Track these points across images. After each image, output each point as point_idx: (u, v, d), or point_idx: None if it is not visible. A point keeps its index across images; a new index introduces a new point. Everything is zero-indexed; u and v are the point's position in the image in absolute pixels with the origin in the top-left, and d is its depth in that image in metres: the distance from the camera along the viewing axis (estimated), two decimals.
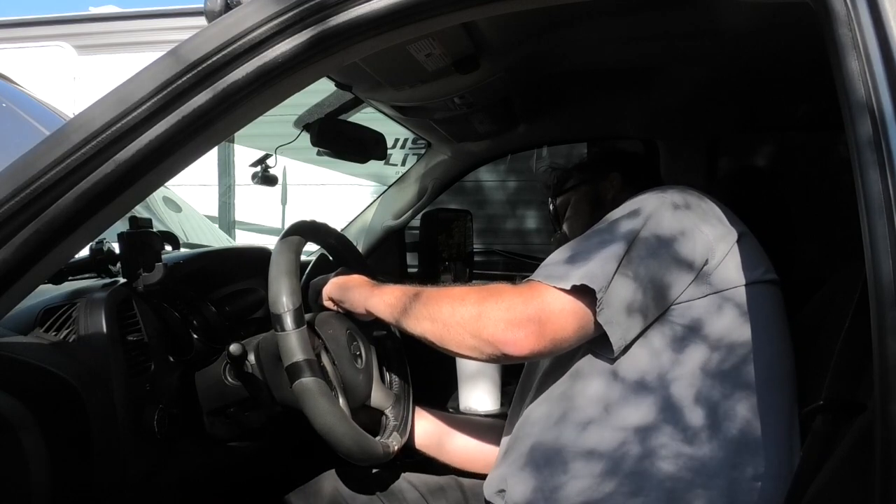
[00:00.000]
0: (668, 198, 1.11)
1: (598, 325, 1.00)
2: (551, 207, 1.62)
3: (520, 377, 1.30)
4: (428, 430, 1.38)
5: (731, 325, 1.05)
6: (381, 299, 1.16)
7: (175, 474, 1.27)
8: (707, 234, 1.07)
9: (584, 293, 0.98)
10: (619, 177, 1.49)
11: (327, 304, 1.26)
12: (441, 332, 1.05)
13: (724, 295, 1.06)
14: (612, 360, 1.04)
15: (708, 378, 1.03)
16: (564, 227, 1.57)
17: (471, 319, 1.01)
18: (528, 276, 1.03)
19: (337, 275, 1.27)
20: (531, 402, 1.17)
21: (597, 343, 1.05)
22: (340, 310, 1.26)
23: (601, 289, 0.98)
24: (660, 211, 1.08)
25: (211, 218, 4.90)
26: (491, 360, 1.03)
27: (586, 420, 1.06)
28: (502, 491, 1.12)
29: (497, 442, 1.29)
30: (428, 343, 1.08)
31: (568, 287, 0.98)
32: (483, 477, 1.36)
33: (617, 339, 1.01)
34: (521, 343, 0.98)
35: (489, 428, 1.39)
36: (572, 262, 1.02)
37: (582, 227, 1.31)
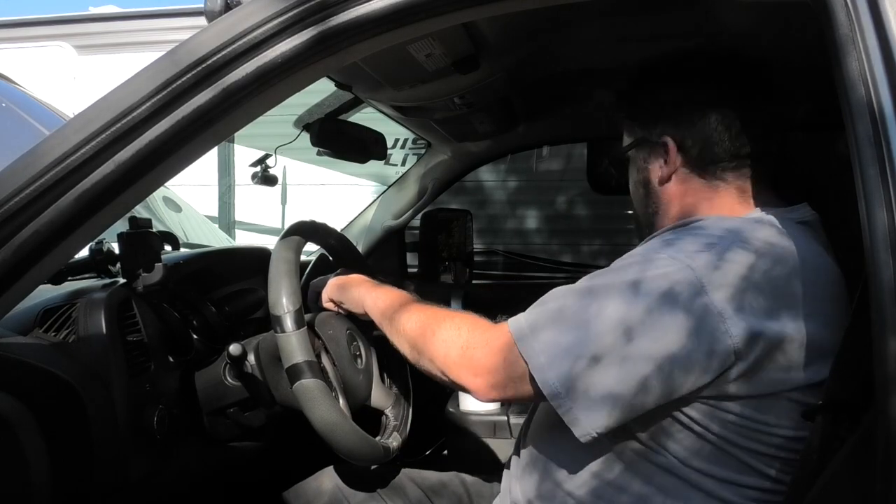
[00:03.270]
0: (695, 265, 0.87)
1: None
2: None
3: None
4: None
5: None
6: (374, 302, 1.16)
7: (175, 474, 1.27)
8: (728, 344, 0.86)
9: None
10: (672, 144, 1.05)
11: (327, 305, 1.26)
12: (415, 359, 1.06)
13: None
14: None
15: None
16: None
17: (439, 357, 1.01)
18: (509, 319, 0.97)
19: (337, 275, 1.27)
20: (534, 414, 1.16)
21: None
22: (341, 311, 1.26)
23: (556, 392, 0.89)
24: (672, 290, 0.86)
25: (211, 218, 4.90)
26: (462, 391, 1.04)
27: None
28: (509, 489, 1.12)
29: None
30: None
31: (531, 365, 0.91)
32: (485, 475, 1.36)
33: (586, 436, 0.91)
34: (482, 391, 0.98)
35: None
36: (548, 329, 0.92)
37: (638, 206, 1.15)
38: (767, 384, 0.89)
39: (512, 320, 0.96)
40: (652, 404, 0.89)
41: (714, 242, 0.90)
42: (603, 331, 0.88)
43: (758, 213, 1.00)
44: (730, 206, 1.04)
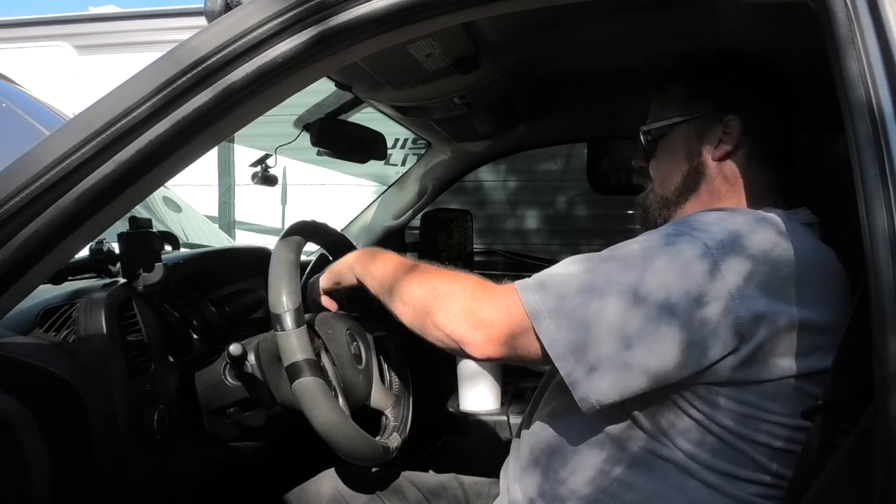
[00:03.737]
0: (717, 245, 0.89)
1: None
2: (642, 139, 1.18)
3: (520, 379, 1.30)
4: None
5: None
6: (369, 272, 1.13)
7: (175, 474, 1.27)
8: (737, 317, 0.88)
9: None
10: (738, 125, 1.07)
11: (325, 301, 1.25)
12: (417, 322, 1.02)
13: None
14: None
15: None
16: (651, 169, 1.17)
17: (439, 313, 0.99)
18: (517, 280, 0.98)
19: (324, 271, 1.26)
20: (537, 405, 1.16)
21: None
22: (339, 305, 1.25)
23: (568, 363, 0.90)
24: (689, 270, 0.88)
25: (211, 218, 4.90)
26: (455, 353, 1.00)
27: (587, 416, 1.04)
28: (508, 491, 1.12)
29: None
30: (385, 303, 1.07)
31: (536, 326, 0.91)
32: (484, 475, 1.36)
33: (586, 403, 0.91)
34: (479, 344, 0.95)
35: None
36: (558, 287, 0.92)
37: (665, 185, 1.13)
38: (772, 369, 0.91)
39: (519, 281, 0.96)
40: (656, 381, 0.89)
41: (732, 230, 0.92)
42: (614, 299, 0.89)
43: (769, 210, 1.02)
44: (752, 199, 1.07)
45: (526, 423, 1.17)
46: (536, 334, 0.91)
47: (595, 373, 0.89)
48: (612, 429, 0.99)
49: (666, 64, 1.20)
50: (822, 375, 0.88)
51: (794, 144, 1.12)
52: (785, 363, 0.91)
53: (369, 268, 1.14)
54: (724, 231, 0.92)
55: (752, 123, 1.08)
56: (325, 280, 1.23)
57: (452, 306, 0.98)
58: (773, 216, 0.98)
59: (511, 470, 1.15)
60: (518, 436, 1.18)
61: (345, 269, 1.19)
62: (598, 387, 0.90)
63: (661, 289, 0.89)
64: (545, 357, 0.92)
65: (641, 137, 1.18)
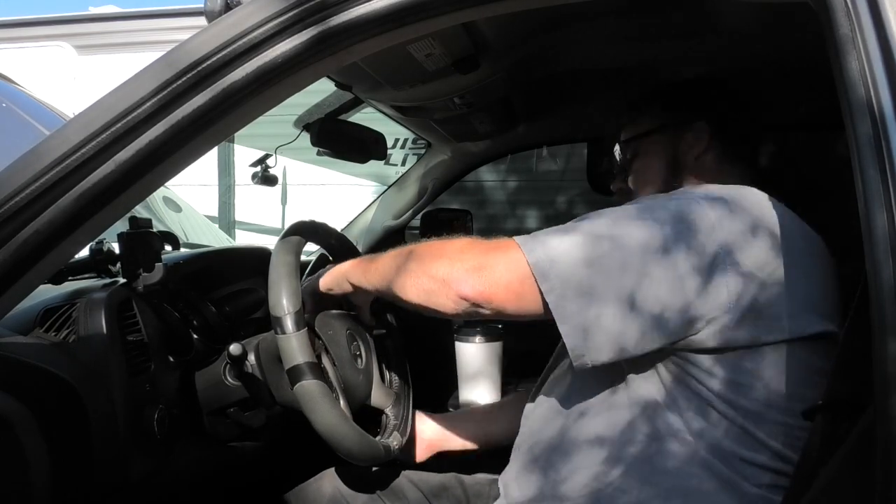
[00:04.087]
0: (710, 211, 0.94)
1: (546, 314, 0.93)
2: (617, 150, 1.31)
3: (521, 376, 1.30)
4: (437, 429, 1.38)
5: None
6: (365, 277, 1.12)
7: (175, 474, 1.27)
8: (731, 284, 0.92)
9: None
10: (705, 129, 1.19)
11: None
12: (413, 288, 0.99)
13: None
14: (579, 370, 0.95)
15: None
16: (630, 181, 1.28)
17: (430, 259, 0.98)
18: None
19: (324, 271, 1.25)
20: (533, 402, 1.17)
21: None
22: (338, 306, 1.25)
23: (558, 293, 0.90)
24: (682, 228, 0.92)
25: (211, 218, 4.90)
26: (438, 306, 0.97)
27: (587, 407, 1.04)
28: (507, 484, 1.13)
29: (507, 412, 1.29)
30: (407, 305, 1.03)
31: (530, 261, 0.91)
32: (485, 475, 1.36)
33: (580, 359, 0.92)
34: (463, 284, 0.93)
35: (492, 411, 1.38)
36: (555, 233, 0.94)
37: (649, 187, 1.22)
38: (763, 330, 0.93)
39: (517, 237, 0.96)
40: (651, 340, 0.91)
41: (724, 196, 0.98)
42: (614, 246, 0.91)
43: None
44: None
45: (522, 422, 1.17)
46: (535, 279, 0.91)
47: (590, 332, 0.90)
48: (614, 414, 1.00)
49: (644, 83, 1.34)
50: (814, 341, 0.94)
51: (757, 146, 1.24)
52: (774, 325, 0.93)
53: (366, 271, 1.13)
54: (720, 196, 0.98)
55: (718, 126, 1.19)
56: (323, 284, 1.23)
57: (447, 254, 0.97)
58: (757, 190, 1.03)
59: (510, 468, 1.15)
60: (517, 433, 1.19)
61: (339, 277, 1.17)
62: (595, 345, 0.91)
63: (665, 241, 0.91)
64: (544, 309, 0.91)
65: (618, 155, 1.29)
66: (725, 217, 0.94)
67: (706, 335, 0.93)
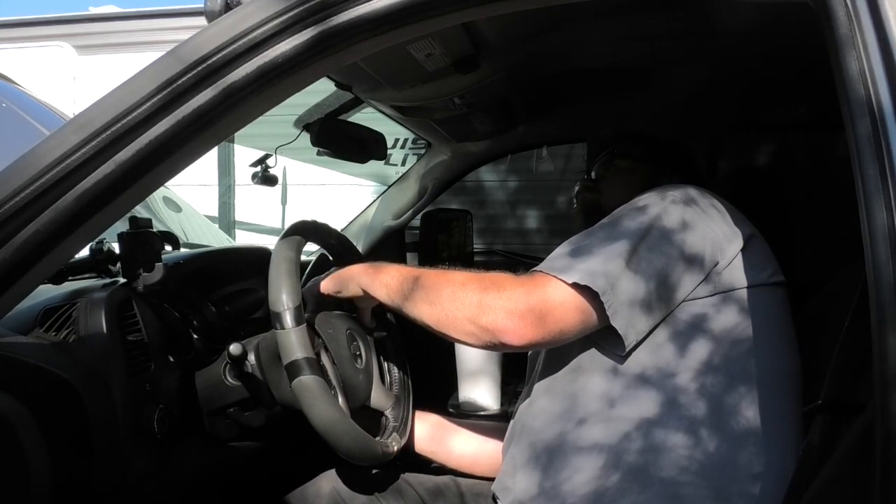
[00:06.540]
0: (678, 196, 1.11)
1: (602, 321, 1.00)
2: (594, 169, 1.48)
3: (520, 379, 1.30)
4: (428, 433, 1.38)
5: (735, 324, 1.05)
6: (380, 282, 1.14)
7: (175, 474, 1.27)
8: (717, 234, 1.07)
9: (586, 289, 0.99)
10: (649, 148, 1.44)
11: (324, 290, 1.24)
12: (439, 317, 1.04)
13: (730, 295, 1.06)
14: (622, 357, 1.04)
15: (710, 374, 1.03)
16: (605, 203, 1.41)
17: (470, 306, 1.01)
18: (533, 268, 1.04)
19: (332, 271, 1.26)
20: (529, 397, 1.17)
21: (602, 339, 1.05)
22: (339, 307, 1.25)
23: (605, 289, 0.98)
24: (669, 209, 1.08)
25: (211, 218, 4.90)
26: (488, 347, 1.03)
27: (588, 415, 1.06)
28: (507, 488, 1.12)
29: (498, 445, 1.29)
30: (425, 327, 1.07)
31: (570, 281, 0.98)
32: (483, 478, 1.36)
33: (630, 337, 1.01)
34: (520, 332, 0.98)
35: (491, 430, 1.39)
36: (578, 256, 1.02)
37: (621, 200, 1.30)
38: (746, 276, 1.07)
39: (539, 266, 1.04)
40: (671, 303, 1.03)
41: (683, 191, 1.13)
42: (629, 233, 1.04)
43: None
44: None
45: (519, 422, 1.18)
46: (579, 290, 0.99)
47: (640, 312, 1.01)
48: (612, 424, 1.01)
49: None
50: (778, 287, 1.11)
51: (687, 156, 1.49)
52: (749, 273, 1.07)
53: (378, 278, 1.14)
54: (680, 190, 1.14)
55: (655, 147, 1.43)
56: (326, 285, 1.23)
57: (492, 301, 1.00)
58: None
59: (508, 468, 1.15)
60: (513, 434, 1.19)
61: (348, 279, 1.19)
62: (642, 324, 1.01)
63: (671, 228, 1.05)
64: (584, 325, 1.00)
65: (588, 186, 1.46)
66: (704, 196, 1.12)
67: (705, 288, 1.05)
